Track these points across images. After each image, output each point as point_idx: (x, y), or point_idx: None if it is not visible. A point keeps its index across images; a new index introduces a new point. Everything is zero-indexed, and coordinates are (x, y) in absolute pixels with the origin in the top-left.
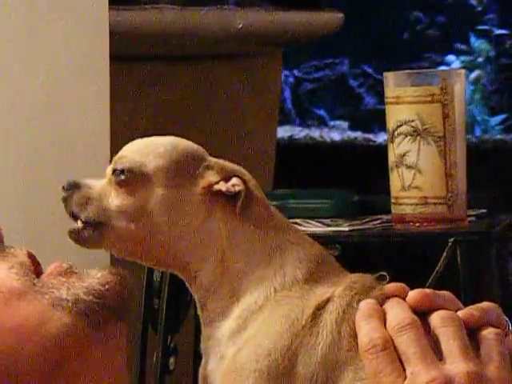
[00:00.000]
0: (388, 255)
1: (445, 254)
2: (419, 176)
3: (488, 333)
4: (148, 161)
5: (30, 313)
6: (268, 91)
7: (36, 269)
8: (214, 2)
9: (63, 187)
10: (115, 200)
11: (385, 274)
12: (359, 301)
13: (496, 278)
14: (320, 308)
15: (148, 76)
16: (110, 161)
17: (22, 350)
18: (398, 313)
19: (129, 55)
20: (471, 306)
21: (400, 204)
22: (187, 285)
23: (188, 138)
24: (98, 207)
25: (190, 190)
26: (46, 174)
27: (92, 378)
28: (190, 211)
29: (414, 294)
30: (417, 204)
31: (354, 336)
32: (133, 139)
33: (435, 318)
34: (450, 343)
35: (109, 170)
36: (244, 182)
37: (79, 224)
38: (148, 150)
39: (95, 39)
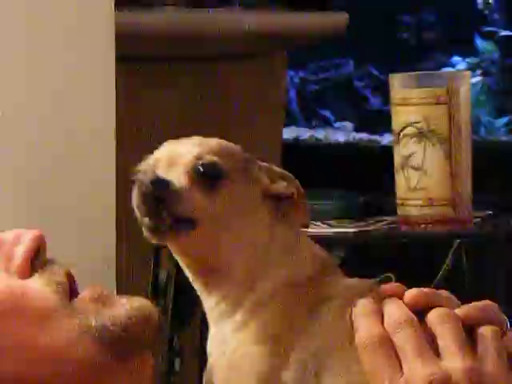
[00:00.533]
0: (393, 256)
1: (450, 255)
2: (425, 177)
3: (485, 330)
4: (221, 161)
5: (59, 334)
6: (273, 92)
7: (72, 290)
8: (221, 3)
9: (151, 182)
10: (205, 200)
11: (390, 275)
12: (356, 300)
13: (501, 280)
14: (318, 304)
15: (154, 77)
16: (117, 161)
17: (44, 370)
18: (395, 310)
19: (134, 56)
20: (469, 305)
21: (406, 205)
22: (205, 284)
23: None
24: (190, 205)
25: (253, 189)
26: (51, 175)
27: None
28: (252, 210)
29: (411, 293)
30: (422, 205)
31: (350, 333)
32: (139, 140)
33: (432, 315)
34: (447, 339)
35: (185, 167)
36: (295, 186)
37: (167, 221)
38: (214, 150)
39: (101, 40)
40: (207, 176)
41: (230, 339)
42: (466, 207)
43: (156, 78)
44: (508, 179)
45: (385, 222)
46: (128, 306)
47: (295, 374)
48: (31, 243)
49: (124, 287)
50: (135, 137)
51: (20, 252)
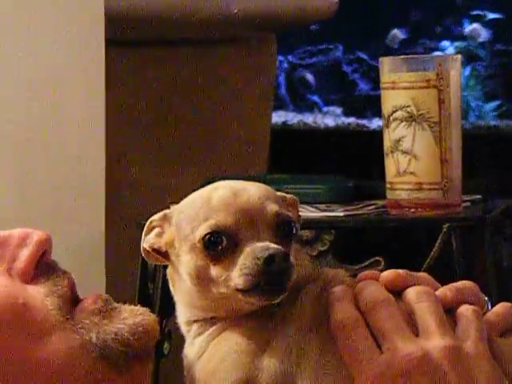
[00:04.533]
0: (382, 241)
1: (439, 239)
2: (414, 161)
3: (465, 309)
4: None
5: (60, 350)
6: (263, 76)
7: (72, 300)
8: None
9: (278, 258)
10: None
11: (379, 259)
12: (331, 287)
13: (490, 264)
14: (293, 291)
15: (143, 61)
16: (106, 149)
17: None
18: (371, 291)
19: (124, 40)
20: (446, 286)
21: (395, 189)
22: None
23: (183, 124)
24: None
25: None
26: (41, 162)
27: None
28: None
29: (387, 274)
30: (412, 189)
31: (326, 317)
32: (128, 124)
33: (411, 293)
34: (426, 318)
35: (268, 226)
36: None
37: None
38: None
39: (91, 24)
40: (285, 235)
41: (201, 343)
42: (456, 191)
43: (144, 63)
44: (497, 163)
45: (374, 206)
46: (131, 321)
47: (278, 362)
48: (36, 247)
49: (114, 274)
50: (125, 122)
51: (24, 255)
